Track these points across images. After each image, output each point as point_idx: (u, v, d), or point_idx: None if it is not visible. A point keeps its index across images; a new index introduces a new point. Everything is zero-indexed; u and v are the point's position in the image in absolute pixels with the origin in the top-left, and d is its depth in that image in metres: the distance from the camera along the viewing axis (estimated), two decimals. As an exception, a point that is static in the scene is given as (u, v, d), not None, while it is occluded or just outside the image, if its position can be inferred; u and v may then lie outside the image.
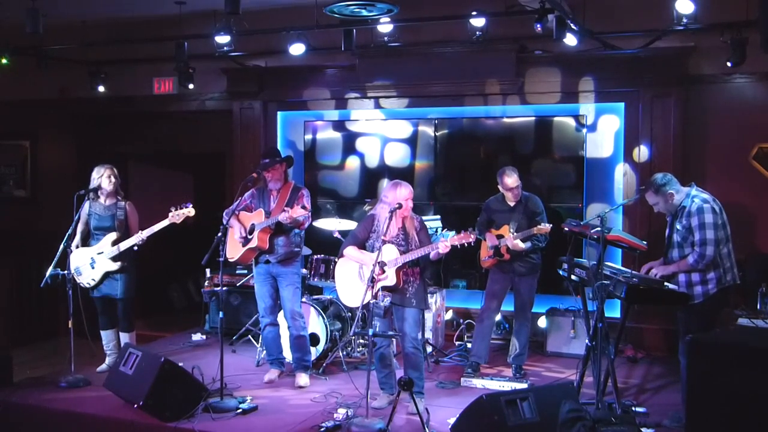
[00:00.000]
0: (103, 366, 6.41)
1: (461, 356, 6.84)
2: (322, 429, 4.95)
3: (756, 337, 4.75)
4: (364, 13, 6.51)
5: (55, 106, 9.54)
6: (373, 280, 5.09)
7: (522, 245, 6.06)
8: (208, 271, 7.55)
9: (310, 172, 8.52)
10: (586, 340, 5.33)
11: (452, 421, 4.85)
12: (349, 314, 6.78)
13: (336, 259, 5.99)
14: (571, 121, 7.56)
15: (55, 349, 7.92)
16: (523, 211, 6.21)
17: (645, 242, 5.45)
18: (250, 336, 7.21)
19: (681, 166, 6.93)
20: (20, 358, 6.83)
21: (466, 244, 5.11)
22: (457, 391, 5.93)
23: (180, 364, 5.41)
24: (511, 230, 6.09)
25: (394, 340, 5.77)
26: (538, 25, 6.27)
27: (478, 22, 6.83)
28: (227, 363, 5.68)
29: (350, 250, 5.46)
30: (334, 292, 6.17)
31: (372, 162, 8.27)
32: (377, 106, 8.23)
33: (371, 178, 8.27)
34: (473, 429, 4.53)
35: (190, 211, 6.01)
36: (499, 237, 6.19)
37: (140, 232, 6.13)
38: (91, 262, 6.23)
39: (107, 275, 6.25)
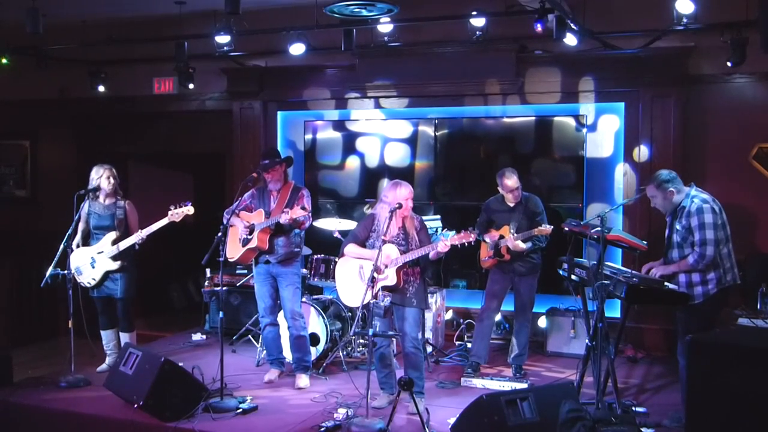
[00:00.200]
0: (103, 366, 6.41)
1: (461, 356, 6.84)
2: (322, 429, 4.95)
3: (756, 337, 4.75)
4: (364, 13, 6.51)
5: (55, 106, 9.54)
6: (373, 280, 5.09)
7: (522, 246, 6.06)
8: (208, 271, 7.55)
9: (310, 172, 8.52)
10: (586, 340, 5.33)
11: (452, 421, 4.85)
12: (349, 314, 6.78)
13: (336, 259, 5.99)
14: (571, 121, 7.56)
15: (55, 349, 7.92)
16: (524, 211, 6.20)
17: (645, 242, 5.44)
18: (250, 336, 7.21)
19: (681, 166, 6.91)
20: (20, 358, 6.82)
21: (466, 244, 5.12)
22: (457, 391, 5.93)
23: (180, 364, 5.41)
24: (512, 231, 6.09)
25: (394, 339, 5.77)
26: (538, 25, 6.27)
27: (478, 22, 6.84)
28: (227, 363, 5.68)
29: (351, 248, 5.47)
30: (334, 292, 6.18)
31: (372, 162, 8.27)
32: (377, 106, 8.23)
33: (371, 178, 8.27)
34: (473, 429, 4.53)
35: (189, 209, 6.01)
36: (500, 237, 6.19)
37: (140, 231, 6.14)
38: (92, 262, 6.24)
39: (107, 275, 6.25)
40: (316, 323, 6.52)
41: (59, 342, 8.02)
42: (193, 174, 10.36)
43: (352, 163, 8.36)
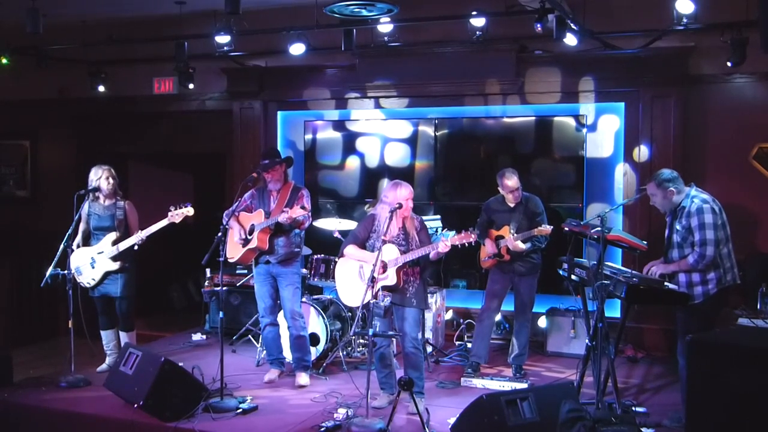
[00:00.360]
0: (103, 366, 6.41)
1: (461, 356, 6.84)
2: (322, 429, 4.95)
3: (756, 337, 4.74)
4: (364, 13, 6.51)
5: (55, 106, 9.54)
6: (373, 280, 5.09)
7: (522, 246, 6.06)
8: (208, 271, 7.55)
9: (310, 171, 8.52)
10: (586, 340, 5.33)
11: (452, 421, 4.85)
12: (349, 314, 6.78)
13: (336, 259, 5.99)
14: (571, 121, 7.56)
15: (55, 349, 7.92)
16: (524, 211, 6.20)
17: (645, 242, 5.44)
18: (250, 336, 7.21)
19: (681, 166, 6.89)
20: (20, 358, 6.82)
21: (466, 244, 5.12)
22: (457, 391, 5.93)
23: (180, 364, 5.41)
24: (512, 231, 6.09)
25: (394, 339, 5.77)
26: (538, 25, 6.27)
27: (478, 22, 6.83)
28: (227, 363, 5.68)
29: (351, 249, 5.46)
30: (334, 292, 6.18)
31: (372, 162, 8.27)
32: (377, 106, 8.23)
33: (371, 178, 8.27)
34: (473, 429, 4.53)
35: (189, 210, 6.01)
36: (500, 238, 6.20)
37: (139, 231, 6.14)
38: (92, 262, 6.24)
39: (107, 275, 6.25)
40: (316, 323, 6.52)
41: (59, 342, 8.02)
42: (193, 174, 10.35)
43: (352, 163, 8.36)
